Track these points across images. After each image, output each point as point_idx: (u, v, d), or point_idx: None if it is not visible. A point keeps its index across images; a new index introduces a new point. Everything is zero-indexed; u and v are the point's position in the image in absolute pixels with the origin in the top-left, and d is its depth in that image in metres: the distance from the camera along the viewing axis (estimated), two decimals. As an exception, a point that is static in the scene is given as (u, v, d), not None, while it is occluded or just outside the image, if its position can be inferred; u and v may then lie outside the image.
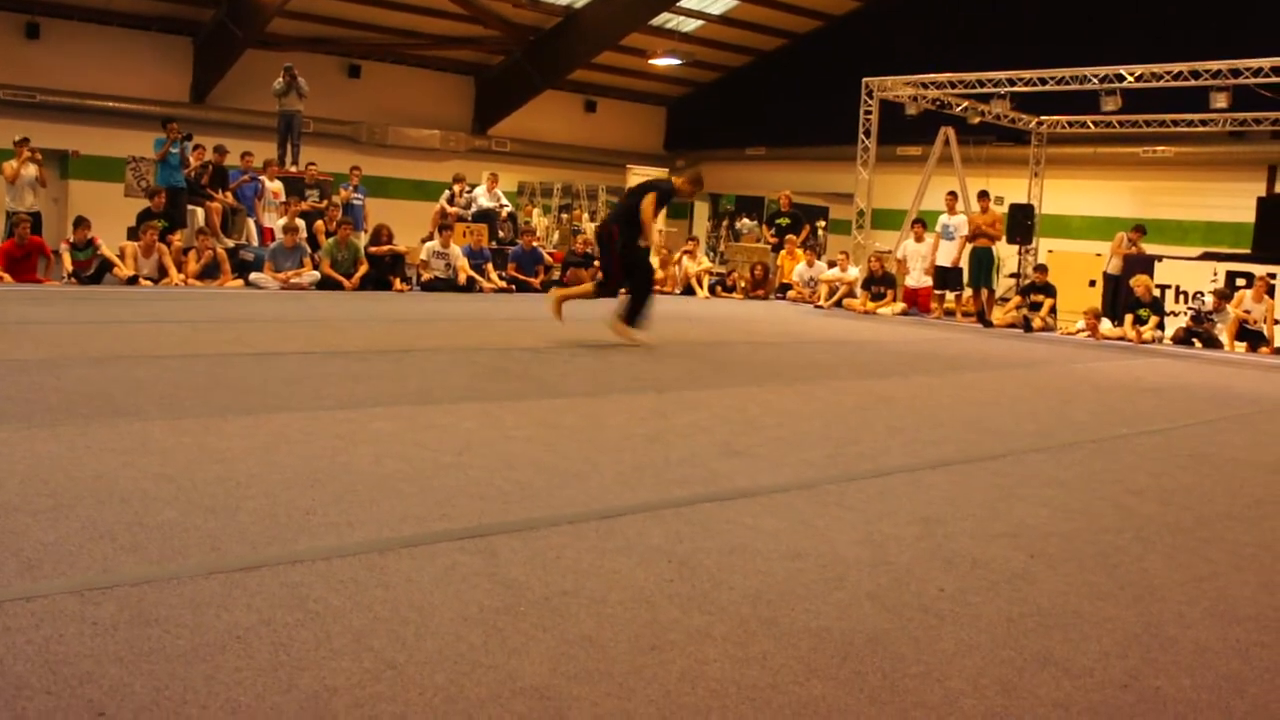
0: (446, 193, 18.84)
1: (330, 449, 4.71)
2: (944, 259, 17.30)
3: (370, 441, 4.92)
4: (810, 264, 19.07)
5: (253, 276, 14.66)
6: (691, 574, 3.30)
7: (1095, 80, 17.02)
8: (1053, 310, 16.24)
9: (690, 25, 26.15)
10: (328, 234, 15.90)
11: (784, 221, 20.34)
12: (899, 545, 3.78)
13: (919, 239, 17.96)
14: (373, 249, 15.59)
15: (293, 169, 18.13)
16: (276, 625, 2.69)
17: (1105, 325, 15.81)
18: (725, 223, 28.28)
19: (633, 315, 10.03)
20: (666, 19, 25.37)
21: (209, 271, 14.45)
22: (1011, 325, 16.23)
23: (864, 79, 19.23)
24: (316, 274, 14.84)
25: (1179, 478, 5.50)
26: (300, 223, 15.70)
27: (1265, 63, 15.40)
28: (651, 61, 26.30)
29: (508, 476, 4.41)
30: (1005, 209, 19.11)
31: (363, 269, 15.19)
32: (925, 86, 19.00)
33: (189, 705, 2.24)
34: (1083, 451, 6.09)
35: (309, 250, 15.23)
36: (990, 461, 5.53)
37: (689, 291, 18.96)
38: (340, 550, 3.28)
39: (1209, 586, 3.56)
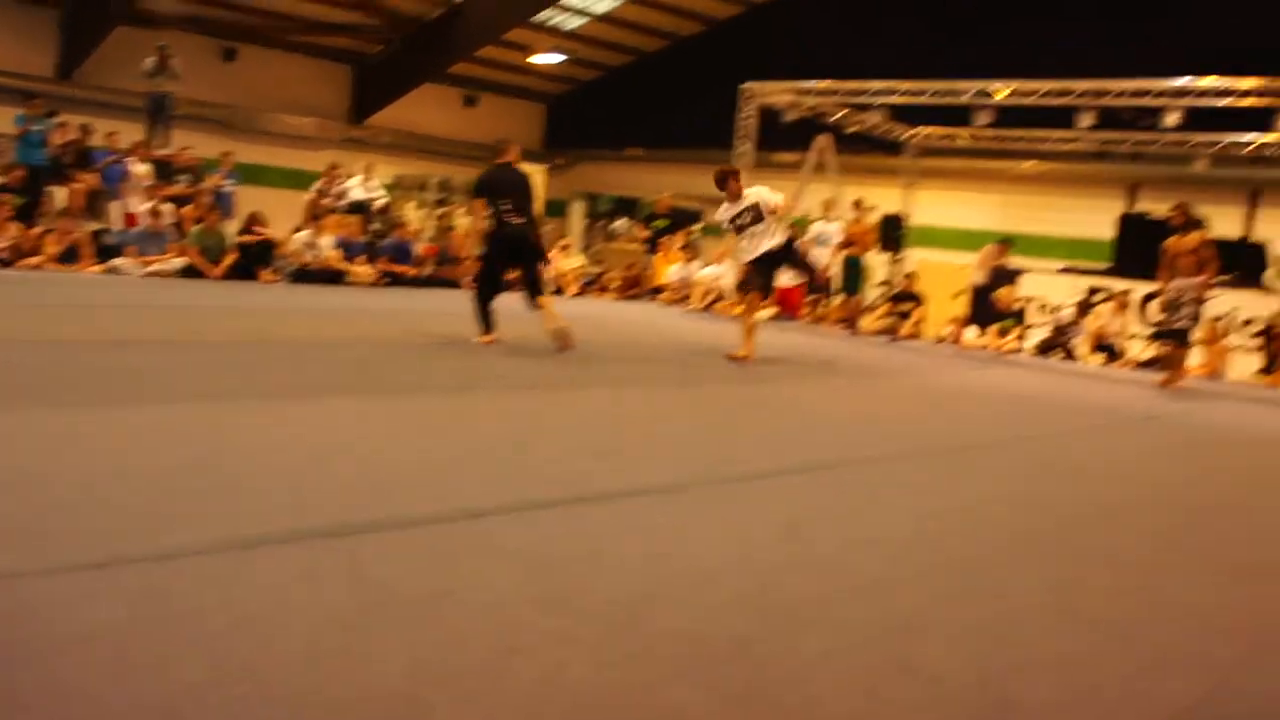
0: (319, 182, 18.50)
1: (188, 443, 4.58)
2: (818, 263, 17.49)
3: (231, 436, 4.80)
4: (686, 264, 19.17)
5: (115, 262, 14.20)
6: (554, 576, 3.27)
7: (969, 94, 17.42)
8: (920, 319, 16.59)
9: (573, 23, 26.10)
10: (195, 221, 15.49)
11: (661, 224, 20.43)
12: (764, 549, 3.80)
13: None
14: (242, 237, 15.25)
15: (162, 152, 17.63)
16: (133, 623, 2.60)
17: (969, 333, 16.18)
18: (601, 222, 28.26)
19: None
20: (549, 15, 25.26)
21: (69, 255, 13.98)
22: (879, 332, 16.51)
23: (742, 84, 19.40)
24: (181, 261, 14.46)
25: (1034, 485, 5.64)
26: (168, 207, 15.28)
27: (1130, 84, 15.91)
28: (532, 59, 26.21)
29: (372, 474, 4.34)
30: (877, 218, 19.45)
31: (230, 258, 14.84)
32: (803, 94, 19.24)
33: (32, 709, 2.14)
34: (944, 458, 6.21)
35: (175, 236, 14.83)
36: (855, 467, 5.60)
37: (558, 290, 18.92)
38: (199, 548, 3.18)
39: (1063, 593, 3.65)
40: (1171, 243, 11.96)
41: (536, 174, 10.34)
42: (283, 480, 4.10)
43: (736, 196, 10.77)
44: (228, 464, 4.27)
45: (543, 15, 24.87)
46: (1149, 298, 15.10)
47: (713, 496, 4.57)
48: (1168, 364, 12.65)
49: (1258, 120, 16.13)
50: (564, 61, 26.75)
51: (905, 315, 16.59)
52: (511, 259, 9.87)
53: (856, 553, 3.89)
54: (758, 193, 10.75)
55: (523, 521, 3.84)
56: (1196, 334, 12.62)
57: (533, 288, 9.84)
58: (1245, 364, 14.95)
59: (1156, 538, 4.74)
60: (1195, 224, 12.10)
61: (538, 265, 10.00)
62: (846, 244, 17.02)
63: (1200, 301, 11.93)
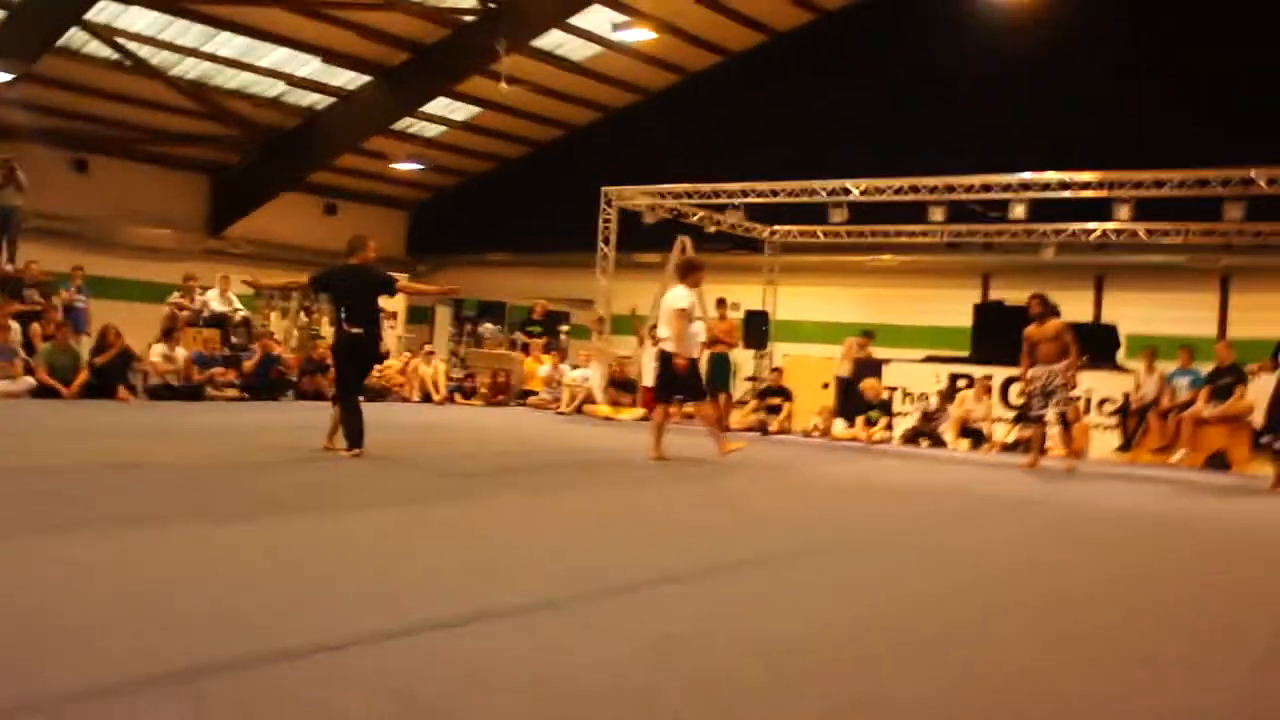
0: (175, 295, 18.05)
1: (17, 581, 4.28)
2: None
3: (67, 571, 4.50)
4: (555, 366, 19.10)
5: (-42, 383, 13.60)
6: (421, 710, 3.08)
7: (824, 193, 17.81)
8: (789, 413, 16.71)
9: (432, 130, 26.16)
10: (45, 338, 14.96)
11: (537, 329, 20.49)
12: (641, 668, 3.65)
13: (656, 344, 18.11)
14: (97, 359, 14.70)
15: (9, 267, 17.03)
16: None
17: (838, 425, 16.34)
18: (467, 327, 28.00)
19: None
20: (409, 124, 25.31)
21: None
22: (749, 429, 16.57)
23: (603, 187, 19.57)
24: (31, 380, 13.90)
25: (917, 583, 5.59)
26: (14, 324, 14.73)
27: (977, 180, 16.45)
28: (393, 166, 26.16)
29: (224, 607, 4.08)
30: (741, 315, 19.65)
31: (82, 376, 14.32)
32: (662, 196, 19.47)
33: None
34: (824, 558, 6.14)
35: (20, 353, 14.27)
36: (734, 571, 5.50)
37: (427, 398, 18.70)
38: (25, 704, 2.92)
39: (947, 707, 3.55)
40: (1032, 330, 12.32)
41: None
42: (122, 620, 3.83)
43: (696, 287, 11.25)
44: (61, 603, 3.98)
45: (402, 123, 24.90)
46: (1009, 382, 15.48)
47: (590, 611, 4.42)
48: (1031, 446, 12.95)
49: (1099, 209, 16.79)
50: (424, 169, 26.74)
51: (775, 410, 16.70)
52: (350, 364, 9.67)
53: (736, 666, 3.76)
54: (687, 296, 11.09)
55: (388, 650, 3.63)
56: (1069, 415, 12.92)
57: (348, 386, 9.66)
58: (1104, 441, 15.34)
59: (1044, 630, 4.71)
60: (1053, 311, 12.49)
61: (365, 373, 9.90)
62: (712, 342, 17.10)
63: (1069, 386, 12.29)
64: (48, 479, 7.27)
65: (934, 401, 16.33)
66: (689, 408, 12.02)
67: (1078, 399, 14.64)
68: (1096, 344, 17.09)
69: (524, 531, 6.36)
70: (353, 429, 9.36)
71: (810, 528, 7.39)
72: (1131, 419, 15.39)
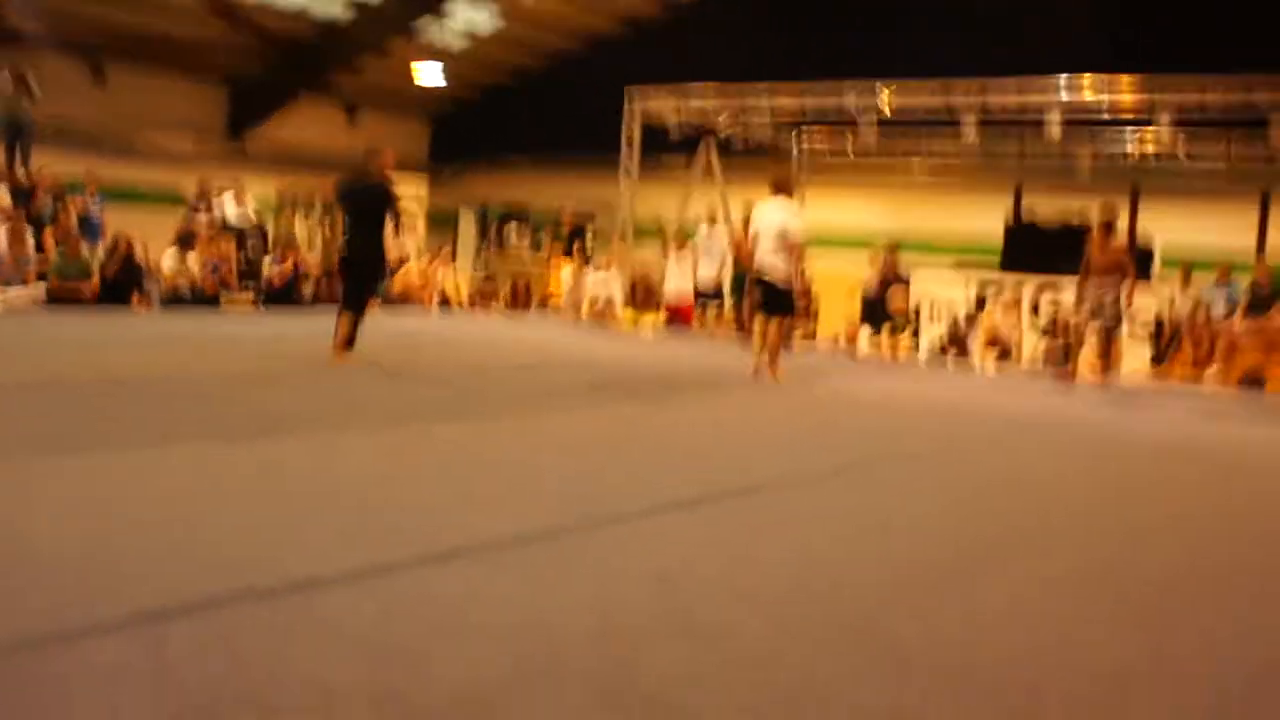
0: (192, 201, 17.82)
1: (-3, 509, 4.11)
2: (705, 272, 17.18)
3: (41, 501, 4.32)
4: (576, 272, 18.87)
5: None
6: (392, 661, 2.88)
7: (853, 95, 17.31)
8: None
9: (457, 42, 25.70)
10: (56, 244, 14.77)
11: (562, 233, 20.51)
12: (631, 611, 3.44)
13: (680, 250, 17.81)
14: (108, 269, 14.52)
15: (21, 175, 16.80)
16: None
17: (863, 335, 16.07)
18: (494, 229, 27.56)
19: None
20: (431, 34, 24.86)
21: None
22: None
23: (625, 86, 19.12)
24: (39, 288, 13.74)
25: (935, 505, 5.36)
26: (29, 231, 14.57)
27: (1011, 82, 15.90)
28: (416, 77, 25.77)
29: (200, 539, 3.89)
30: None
31: (93, 284, 14.15)
32: (687, 98, 18.99)
33: None
34: (836, 483, 5.92)
35: (33, 262, 14.11)
36: (739, 499, 5.27)
37: (445, 303, 18.52)
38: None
39: (965, 654, 3.32)
40: (1096, 248, 12.01)
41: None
42: (91, 555, 3.64)
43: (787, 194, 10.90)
44: (29, 535, 3.80)
45: (425, 31, 24.46)
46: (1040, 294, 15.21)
47: (584, 545, 4.22)
48: (1069, 357, 12.68)
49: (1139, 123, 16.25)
50: (446, 76, 26.30)
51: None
52: (352, 275, 9.74)
53: (734, 611, 3.53)
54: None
55: (367, 592, 3.44)
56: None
57: (349, 301, 9.70)
58: (1136, 354, 15.03)
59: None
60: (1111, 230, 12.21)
61: (366, 286, 9.87)
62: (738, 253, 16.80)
63: (1120, 309, 12.03)
64: (47, 394, 7.10)
65: (961, 319, 16.00)
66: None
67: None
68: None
69: (524, 453, 6.16)
70: (347, 337, 9.60)
71: (824, 451, 7.16)
72: (1165, 335, 15.03)
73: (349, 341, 9.58)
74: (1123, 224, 13.94)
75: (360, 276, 9.76)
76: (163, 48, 23.17)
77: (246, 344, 11.37)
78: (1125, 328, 13.03)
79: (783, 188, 10.98)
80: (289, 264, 16.57)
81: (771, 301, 10.79)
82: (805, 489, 5.69)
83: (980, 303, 15.92)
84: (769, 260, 10.64)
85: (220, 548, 3.79)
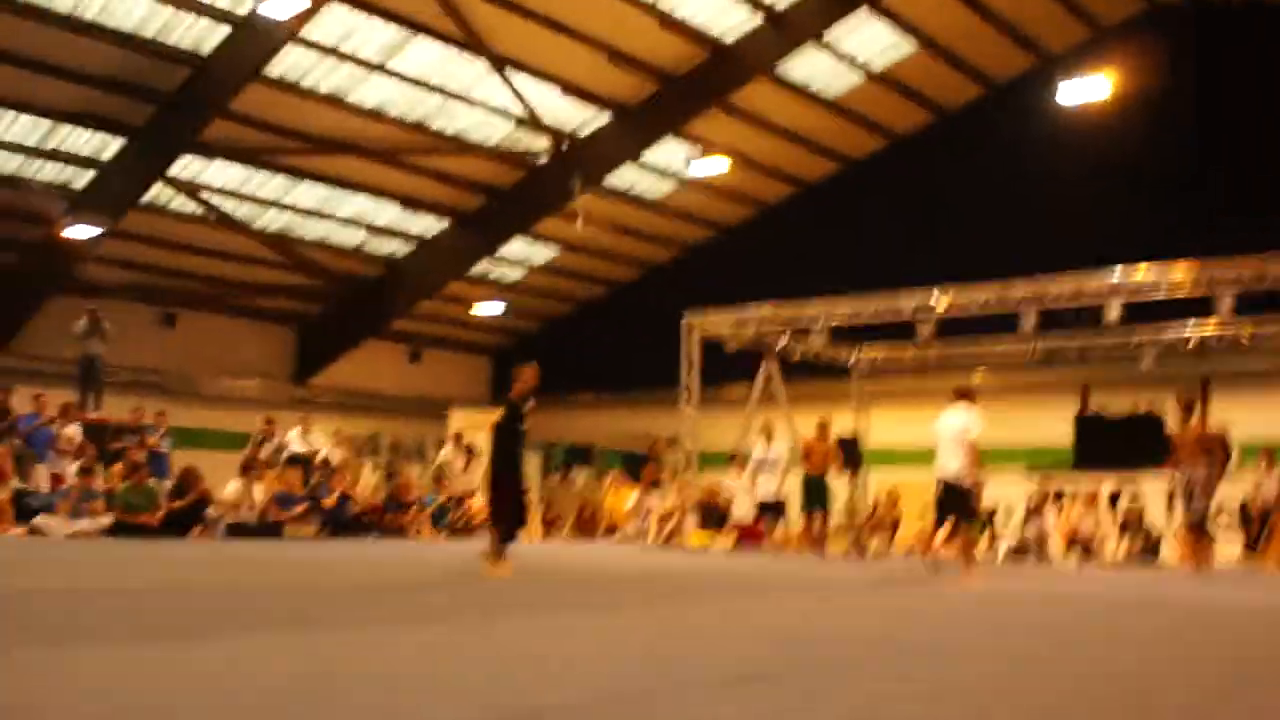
0: (256, 436, 18.06)
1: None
2: (765, 491, 16.84)
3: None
4: (642, 496, 18.67)
5: (36, 521, 13.43)
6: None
7: (909, 309, 17.30)
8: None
9: (513, 275, 26.33)
10: (124, 478, 14.90)
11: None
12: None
13: (744, 471, 17.61)
14: (176, 502, 14.58)
15: (94, 415, 17.14)
16: None
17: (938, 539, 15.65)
18: (559, 473, 27.37)
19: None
20: (488, 269, 25.50)
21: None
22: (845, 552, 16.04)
23: (684, 313, 19.33)
24: (105, 520, 13.78)
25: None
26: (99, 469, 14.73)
27: (1068, 280, 15.80)
28: (474, 311, 26.29)
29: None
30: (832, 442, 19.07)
31: (160, 514, 14.19)
32: (744, 322, 19.09)
33: None
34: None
35: (100, 495, 14.21)
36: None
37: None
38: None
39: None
40: (1184, 434, 11.82)
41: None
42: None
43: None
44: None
45: (481, 269, 25.11)
46: (1116, 495, 14.82)
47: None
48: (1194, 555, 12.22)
49: (1197, 309, 16.05)
50: (506, 313, 26.86)
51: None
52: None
53: None
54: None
55: None
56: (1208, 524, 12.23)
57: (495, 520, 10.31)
58: (1223, 550, 14.49)
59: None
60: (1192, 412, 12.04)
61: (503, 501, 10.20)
62: (808, 462, 16.66)
63: (1210, 493, 11.73)
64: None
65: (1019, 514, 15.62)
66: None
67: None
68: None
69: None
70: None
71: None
72: (1255, 523, 14.53)
73: (499, 553, 9.81)
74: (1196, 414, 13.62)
75: (499, 499, 10.17)
76: (230, 291, 23.94)
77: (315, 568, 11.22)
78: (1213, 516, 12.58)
79: (965, 395, 11.68)
80: (334, 496, 16.56)
81: (950, 501, 11.19)
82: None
83: (1056, 496, 15.57)
84: (946, 461, 11.24)
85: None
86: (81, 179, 19.99)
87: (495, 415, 10.80)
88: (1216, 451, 11.72)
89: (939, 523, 11.20)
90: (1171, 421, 14.59)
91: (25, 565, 9.65)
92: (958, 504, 11.12)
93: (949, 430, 11.31)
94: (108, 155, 19.47)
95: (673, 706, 3.45)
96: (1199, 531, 12.02)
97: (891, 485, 19.24)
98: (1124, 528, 14.91)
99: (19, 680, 3.57)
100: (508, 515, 10.06)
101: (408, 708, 3.24)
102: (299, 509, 15.92)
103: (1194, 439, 11.69)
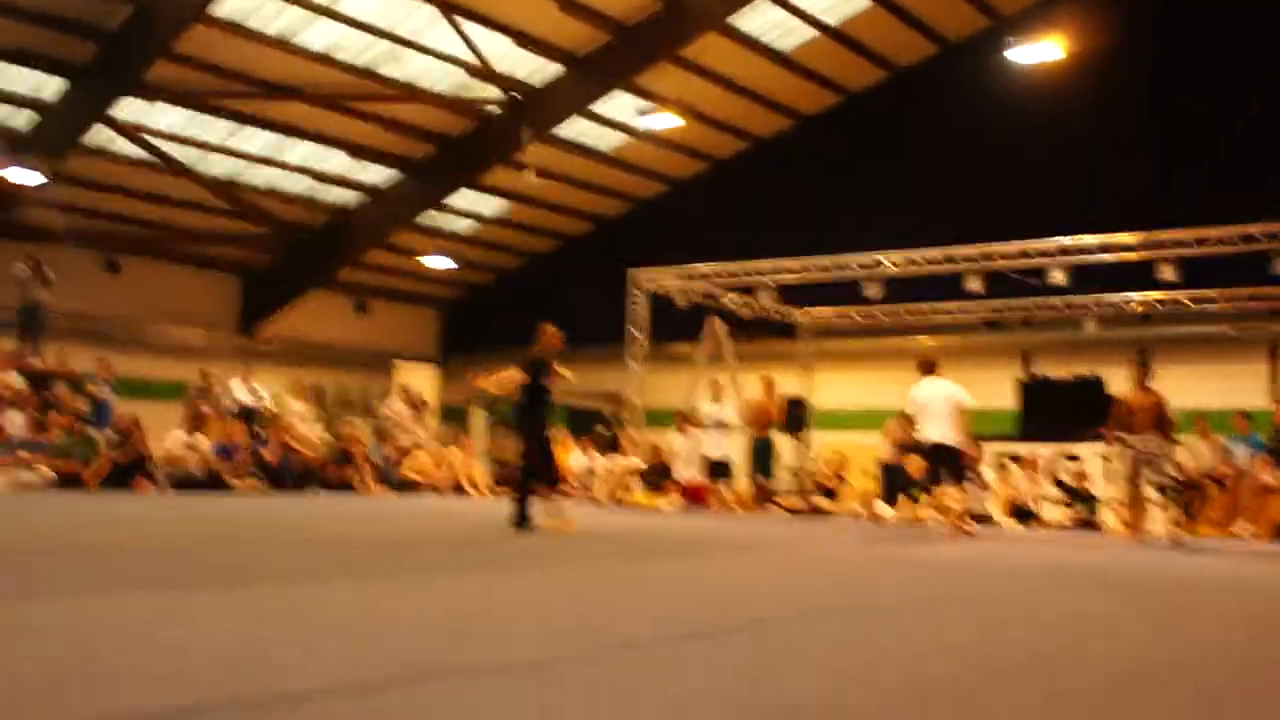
0: (192, 390, 17.90)
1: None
2: (713, 450, 16.86)
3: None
4: (588, 454, 18.61)
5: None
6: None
7: (857, 267, 17.37)
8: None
9: (462, 225, 26.08)
10: (64, 428, 14.71)
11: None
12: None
13: (684, 432, 17.62)
14: (117, 453, 14.41)
15: (36, 361, 16.88)
16: None
17: (882, 509, 15.75)
18: (504, 430, 27.24)
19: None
20: (438, 219, 25.24)
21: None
22: (794, 510, 16.21)
23: (629, 269, 19.27)
24: (50, 473, 13.61)
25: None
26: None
27: (1014, 246, 15.93)
28: (421, 259, 26.05)
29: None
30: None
31: (100, 465, 14.03)
32: (691, 278, 19.05)
33: None
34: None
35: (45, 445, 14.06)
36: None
37: (459, 489, 18.30)
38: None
39: None
40: (1134, 397, 11.87)
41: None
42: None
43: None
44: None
45: (431, 219, 24.87)
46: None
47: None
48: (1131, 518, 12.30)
49: (1140, 278, 16.24)
50: (456, 264, 26.65)
51: (831, 495, 16.72)
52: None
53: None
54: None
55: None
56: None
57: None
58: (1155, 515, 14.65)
59: None
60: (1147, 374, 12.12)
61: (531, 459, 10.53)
62: (764, 424, 16.78)
63: (1166, 457, 11.84)
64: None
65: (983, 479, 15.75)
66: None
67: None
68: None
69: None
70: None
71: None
72: (1189, 491, 14.73)
73: (521, 517, 10.05)
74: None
75: (530, 456, 10.41)
76: (176, 237, 23.59)
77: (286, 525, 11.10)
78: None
79: (932, 366, 12.62)
80: (276, 448, 16.43)
81: (941, 456, 12.17)
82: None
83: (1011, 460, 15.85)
84: (941, 428, 12.07)
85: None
86: (18, 119, 19.59)
87: (507, 373, 10.95)
88: (1166, 419, 11.78)
89: (932, 480, 12.54)
90: (1116, 386, 14.72)
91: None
92: (949, 459, 12.10)
93: (937, 401, 12.01)
94: (47, 95, 19.06)
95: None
96: (1147, 501, 12.10)
97: (835, 447, 19.31)
98: (1071, 494, 15.03)
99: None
100: (543, 470, 10.48)
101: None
102: (240, 461, 15.78)
103: (1151, 404, 11.73)
